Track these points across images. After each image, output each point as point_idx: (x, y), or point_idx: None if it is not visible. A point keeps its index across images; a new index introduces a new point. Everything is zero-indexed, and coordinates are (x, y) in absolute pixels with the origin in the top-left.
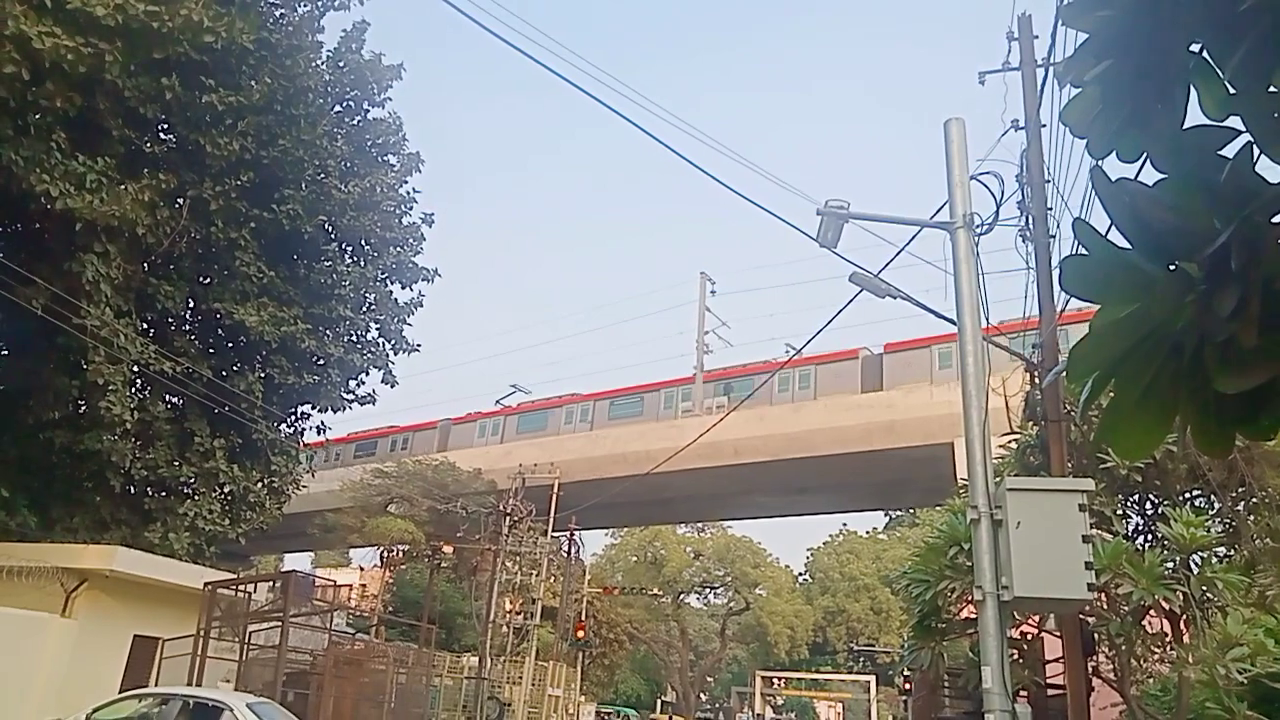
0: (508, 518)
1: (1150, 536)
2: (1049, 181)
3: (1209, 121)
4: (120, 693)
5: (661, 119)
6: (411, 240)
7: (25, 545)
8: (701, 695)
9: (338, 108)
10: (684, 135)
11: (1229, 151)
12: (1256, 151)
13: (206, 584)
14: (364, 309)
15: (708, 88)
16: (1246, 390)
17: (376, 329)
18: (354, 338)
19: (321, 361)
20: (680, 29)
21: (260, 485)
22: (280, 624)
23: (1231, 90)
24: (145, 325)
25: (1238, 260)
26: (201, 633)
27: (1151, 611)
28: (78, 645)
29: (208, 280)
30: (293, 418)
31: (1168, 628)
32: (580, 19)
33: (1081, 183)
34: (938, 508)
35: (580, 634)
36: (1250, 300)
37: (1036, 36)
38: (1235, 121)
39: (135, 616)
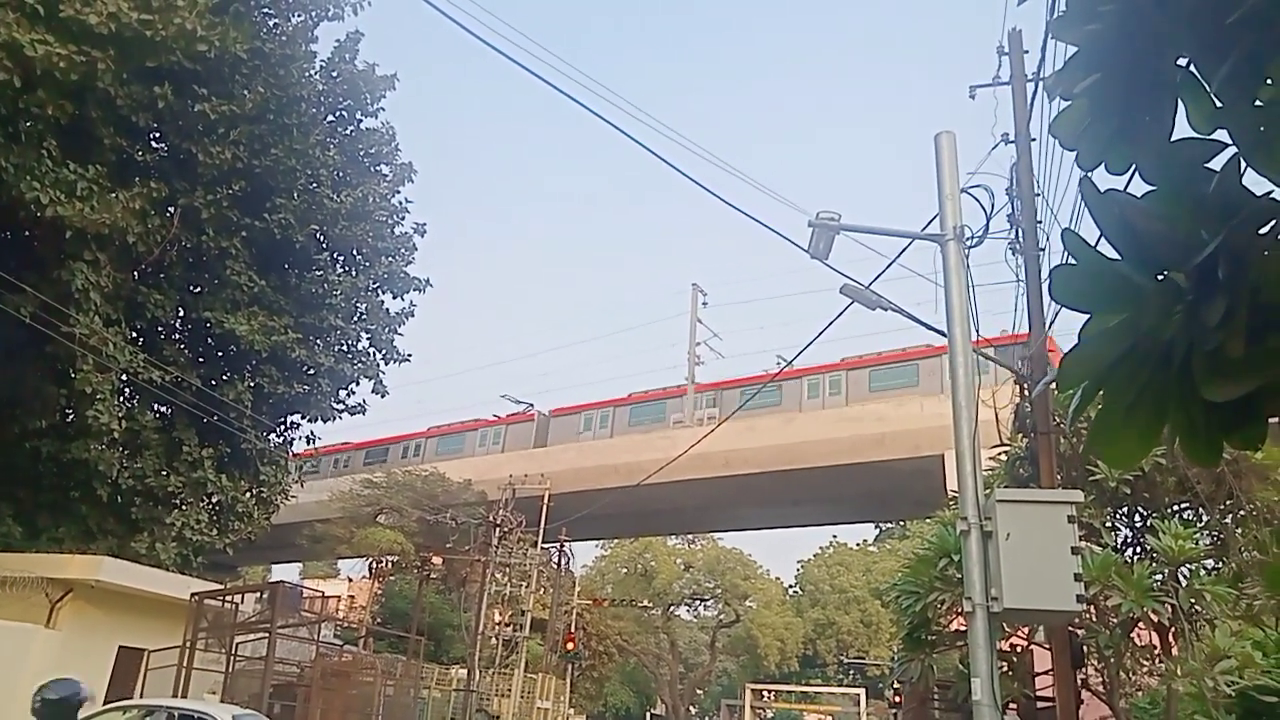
0: (497, 529)
1: (1139, 549)
2: (1039, 195)
3: (1196, 134)
4: (105, 704)
5: (649, 126)
6: (403, 250)
7: (10, 555)
8: (691, 708)
9: (330, 117)
10: (672, 144)
11: (1216, 164)
12: (1243, 164)
13: (193, 595)
14: (355, 318)
15: (693, 93)
16: (1234, 399)
17: (367, 339)
18: (344, 347)
19: (311, 371)
20: (667, 34)
21: (248, 495)
22: (267, 635)
23: (1218, 104)
24: (134, 334)
25: (1225, 270)
26: (188, 644)
27: (1140, 624)
28: (62, 656)
29: (198, 289)
30: (282, 427)
31: (1156, 640)
32: (563, 19)
33: (1071, 196)
34: (928, 520)
35: (570, 646)
36: (1237, 310)
37: (1026, 51)
38: (1222, 135)
39: (121, 627)
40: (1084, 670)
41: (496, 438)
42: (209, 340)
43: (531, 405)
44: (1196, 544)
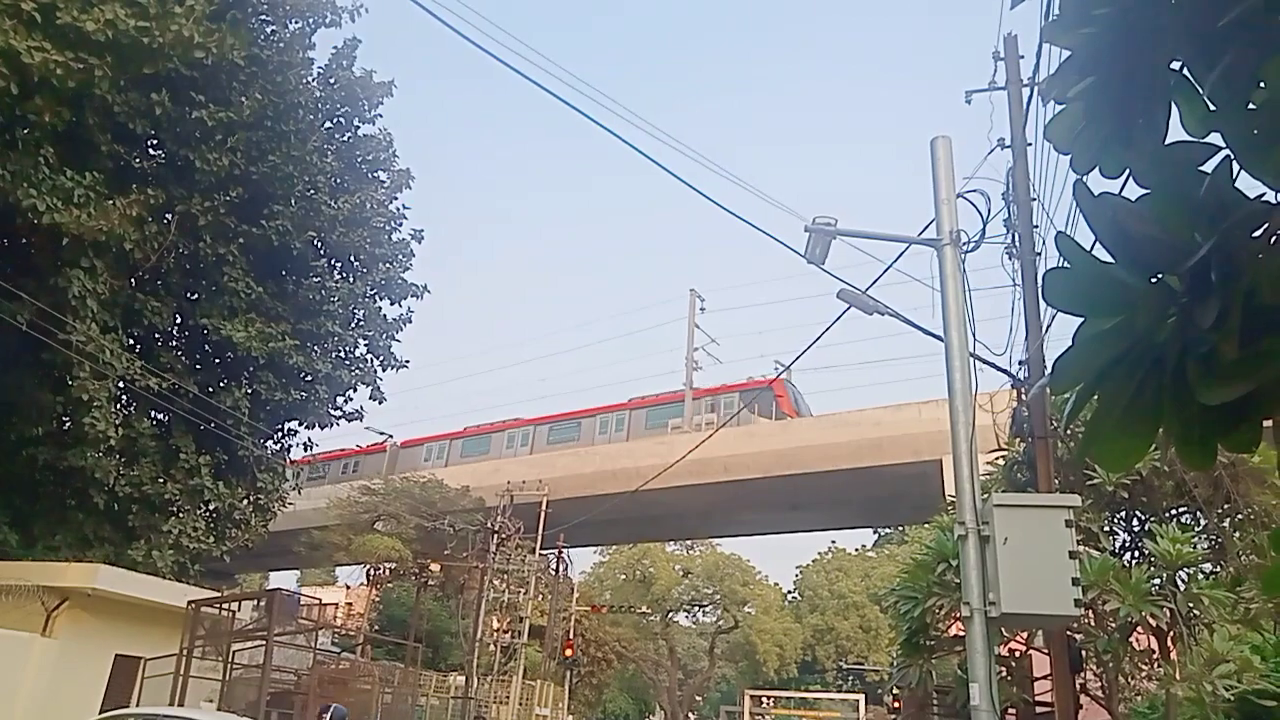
0: (495, 535)
1: (1137, 553)
2: (1035, 199)
3: (1190, 137)
4: (101, 713)
5: (643, 130)
6: (401, 256)
7: (6, 564)
8: (690, 714)
9: (328, 124)
10: (667, 149)
11: (1209, 167)
12: (1236, 167)
13: (190, 602)
14: (352, 325)
15: (687, 96)
16: (1228, 402)
17: (365, 345)
18: (342, 354)
19: (309, 378)
20: (662, 41)
21: (246, 502)
22: (264, 643)
23: (1212, 107)
24: (131, 341)
25: (1218, 273)
26: (185, 652)
27: (1139, 628)
28: (59, 665)
29: (195, 296)
30: (279, 434)
31: (1155, 645)
32: (560, 22)
33: (1066, 200)
34: (926, 525)
35: (568, 653)
36: (1230, 312)
37: (1022, 56)
38: (1215, 138)
39: (117, 635)
40: (1083, 675)
41: (357, 466)
42: (206, 347)
43: (391, 436)
44: (1194, 548)
